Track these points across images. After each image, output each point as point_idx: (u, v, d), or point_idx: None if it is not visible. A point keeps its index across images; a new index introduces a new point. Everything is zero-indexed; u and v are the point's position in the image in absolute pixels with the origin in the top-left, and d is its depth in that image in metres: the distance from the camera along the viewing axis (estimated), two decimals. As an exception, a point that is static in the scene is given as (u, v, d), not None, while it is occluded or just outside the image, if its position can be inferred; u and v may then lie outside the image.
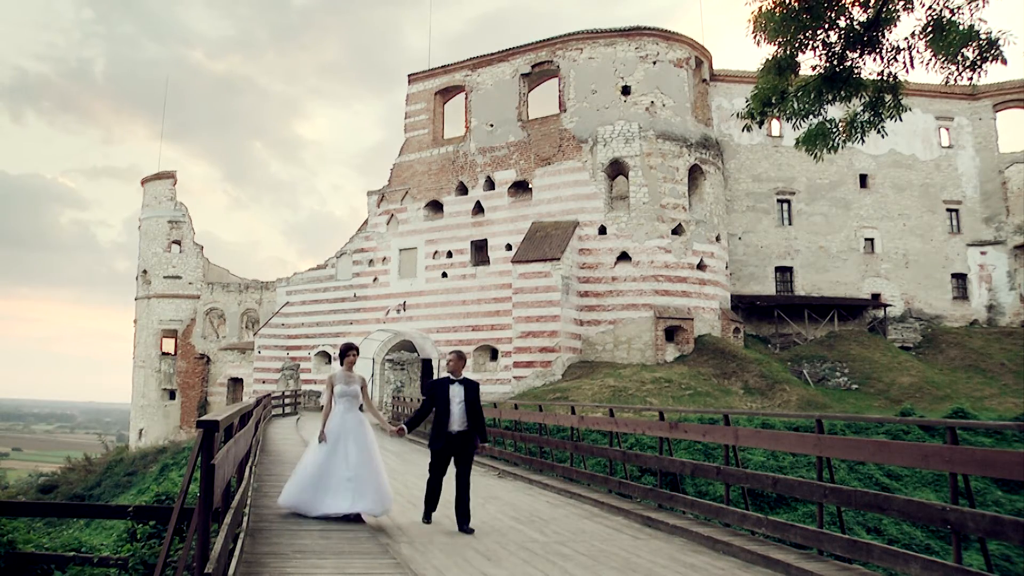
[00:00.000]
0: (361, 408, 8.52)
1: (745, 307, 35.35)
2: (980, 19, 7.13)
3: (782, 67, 7.88)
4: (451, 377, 8.31)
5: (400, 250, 37.65)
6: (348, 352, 8.62)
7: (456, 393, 8.18)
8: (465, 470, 8.13)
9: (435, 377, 10.00)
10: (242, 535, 6.96)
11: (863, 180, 38.33)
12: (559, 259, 30.57)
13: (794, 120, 8.20)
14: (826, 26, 7.58)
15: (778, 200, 37.67)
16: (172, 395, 43.88)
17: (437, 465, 8.24)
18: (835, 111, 8.32)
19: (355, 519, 8.04)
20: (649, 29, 33.98)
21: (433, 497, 8.35)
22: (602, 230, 32.18)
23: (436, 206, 37.10)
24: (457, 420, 8.12)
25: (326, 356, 39.11)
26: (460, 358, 8.42)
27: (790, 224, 37.61)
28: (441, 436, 8.12)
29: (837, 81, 7.80)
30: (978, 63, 7.18)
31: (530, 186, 34.21)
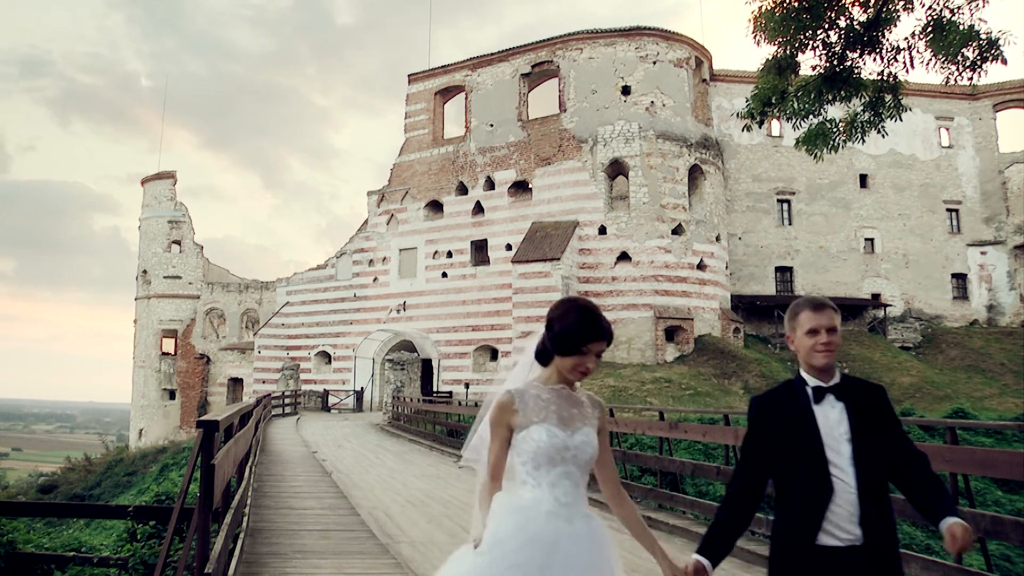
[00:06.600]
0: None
1: (745, 307, 35.35)
2: (980, 19, 7.14)
3: (782, 67, 7.87)
4: (810, 382, 2.79)
5: (400, 250, 37.65)
6: (590, 338, 2.57)
7: (833, 424, 2.70)
8: None
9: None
10: (242, 535, 6.96)
11: (863, 180, 38.34)
12: (559, 259, 30.57)
13: (794, 120, 8.19)
14: (826, 26, 7.58)
15: (778, 200, 37.67)
16: (172, 395, 43.88)
17: None
18: (835, 111, 8.32)
19: None
20: (649, 29, 33.98)
21: None
22: (602, 230, 32.18)
23: (436, 206, 37.10)
24: (847, 510, 2.61)
25: (326, 356, 39.11)
26: (823, 314, 2.77)
27: (790, 224, 37.61)
28: (801, 554, 2.65)
29: (837, 81, 7.79)
30: (978, 63, 7.18)
31: (530, 186, 34.21)
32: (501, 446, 2.63)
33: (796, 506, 2.70)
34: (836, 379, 2.78)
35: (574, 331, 2.56)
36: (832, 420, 2.71)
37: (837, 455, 2.66)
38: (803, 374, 2.83)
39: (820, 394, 2.75)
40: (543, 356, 2.68)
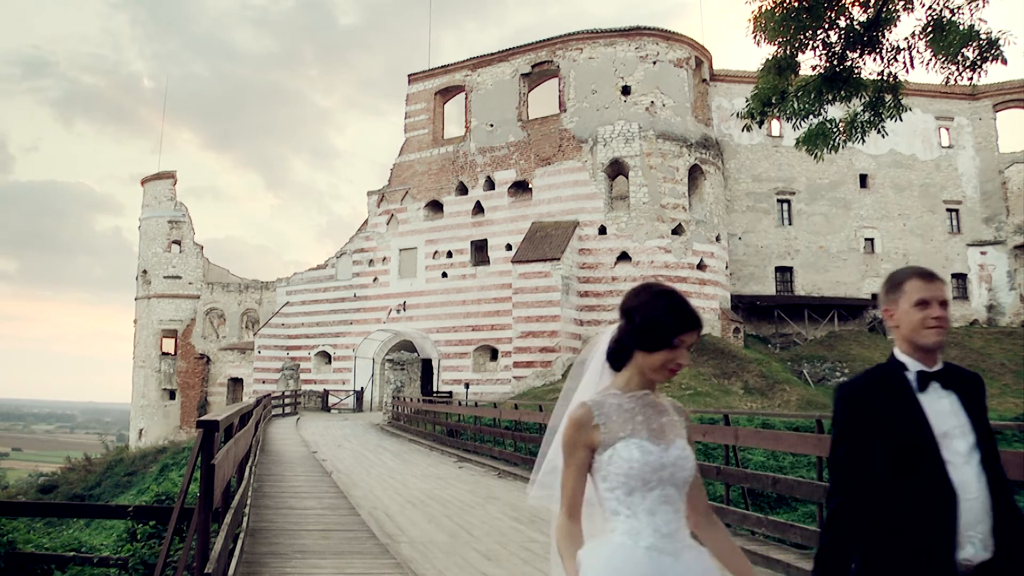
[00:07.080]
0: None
1: (745, 307, 35.34)
2: (980, 19, 7.14)
3: (782, 67, 7.87)
4: (911, 366, 2.42)
5: (400, 250, 37.65)
6: (682, 328, 2.11)
7: (944, 416, 2.32)
8: None
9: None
10: (242, 535, 6.96)
11: (863, 180, 38.33)
12: (559, 259, 30.57)
13: (794, 120, 8.19)
14: (826, 26, 7.58)
15: (778, 200, 37.66)
16: (172, 395, 43.88)
17: None
18: (835, 111, 8.31)
19: None
20: (649, 29, 33.98)
21: None
22: (602, 230, 32.18)
23: (436, 206, 37.09)
24: (966, 518, 2.19)
25: (326, 356, 39.11)
26: (934, 284, 2.63)
27: (790, 224, 37.60)
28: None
29: (837, 81, 7.79)
30: (978, 63, 7.18)
31: (530, 186, 34.21)
32: (579, 473, 2.12)
33: (911, 519, 2.19)
34: (939, 364, 2.39)
35: (663, 320, 2.11)
36: (943, 412, 2.29)
37: (953, 453, 2.23)
38: (900, 356, 2.39)
39: (925, 380, 2.35)
40: (617, 357, 2.21)
